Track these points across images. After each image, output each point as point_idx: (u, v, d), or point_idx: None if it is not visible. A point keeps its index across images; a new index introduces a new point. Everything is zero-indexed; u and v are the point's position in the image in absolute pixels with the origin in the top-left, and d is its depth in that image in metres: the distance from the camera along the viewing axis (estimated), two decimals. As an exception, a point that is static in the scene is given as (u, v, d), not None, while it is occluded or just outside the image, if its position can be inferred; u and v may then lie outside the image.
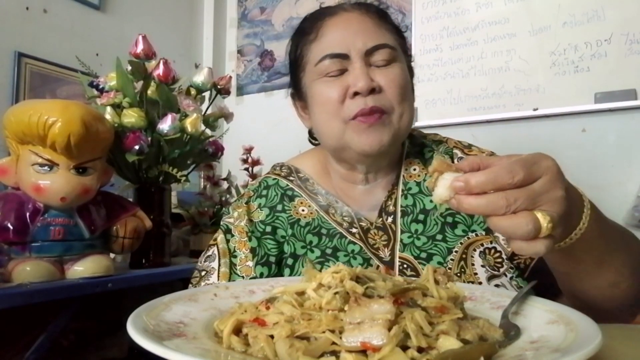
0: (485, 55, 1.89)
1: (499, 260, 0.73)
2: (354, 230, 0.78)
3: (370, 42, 0.73)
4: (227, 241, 0.80)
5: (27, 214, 0.95)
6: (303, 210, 0.81)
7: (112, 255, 1.12)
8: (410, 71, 0.82)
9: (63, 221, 0.97)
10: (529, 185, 0.43)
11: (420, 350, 0.35)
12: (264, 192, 0.84)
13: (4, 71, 1.67)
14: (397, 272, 0.73)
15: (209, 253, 0.80)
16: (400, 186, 0.80)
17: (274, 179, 0.86)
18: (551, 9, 1.76)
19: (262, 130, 2.31)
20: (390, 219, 0.78)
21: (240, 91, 2.57)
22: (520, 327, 0.43)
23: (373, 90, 0.71)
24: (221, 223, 0.84)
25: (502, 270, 0.72)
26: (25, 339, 0.97)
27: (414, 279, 0.50)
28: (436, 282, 0.45)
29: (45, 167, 0.93)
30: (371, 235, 0.78)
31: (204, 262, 0.80)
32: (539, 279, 0.66)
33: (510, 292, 0.58)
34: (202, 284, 0.76)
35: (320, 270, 0.72)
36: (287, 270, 0.76)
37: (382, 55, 0.74)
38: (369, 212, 0.80)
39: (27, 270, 0.92)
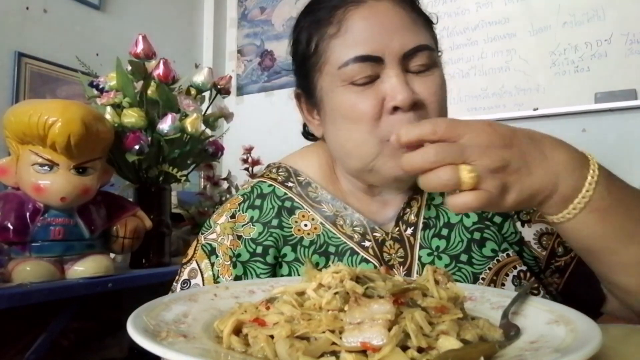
0: (485, 55, 1.89)
1: (536, 285, 0.64)
2: (366, 243, 0.67)
3: (409, 42, 0.60)
4: (212, 265, 0.67)
5: (27, 214, 0.95)
6: (306, 226, 0.68)
7: (112, 255, 1.12)
8: None
9: (63, 221, 0.97)
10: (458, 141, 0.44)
11: (420, 350, 0.35)
12: (258, 202, 0.70)
13: (4, 71, 1.68)
14: None
15: (193, 281, 0.68)
16: (425, 195, 0.70)
17: (270, 185, 0.72)
18: (551, 9, 1.77)
19: (262, 130, 2.31)
20: (409, 231, 0.67)
21: (240, 91, 2.58)
22: (520, 327, 0.43)
23: (414, 105, 0.59)
24: (202, 242, 0.70)
25: (539, 297, 0.63)
26: (25, 339, 0.97)
27: (414, 279, 0.50)
28: (436, 282, 0.45)
29: (45, 167, 0.93)
30: (386, 248, 0.67)
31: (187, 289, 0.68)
32: (579, 282, 0.62)
33: (510, 292, 0.57)
34: None
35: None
36: None
37: (421, 60, 0.60)
38: (383, 222, 0.70)
39: (27, 270, 0.92)
